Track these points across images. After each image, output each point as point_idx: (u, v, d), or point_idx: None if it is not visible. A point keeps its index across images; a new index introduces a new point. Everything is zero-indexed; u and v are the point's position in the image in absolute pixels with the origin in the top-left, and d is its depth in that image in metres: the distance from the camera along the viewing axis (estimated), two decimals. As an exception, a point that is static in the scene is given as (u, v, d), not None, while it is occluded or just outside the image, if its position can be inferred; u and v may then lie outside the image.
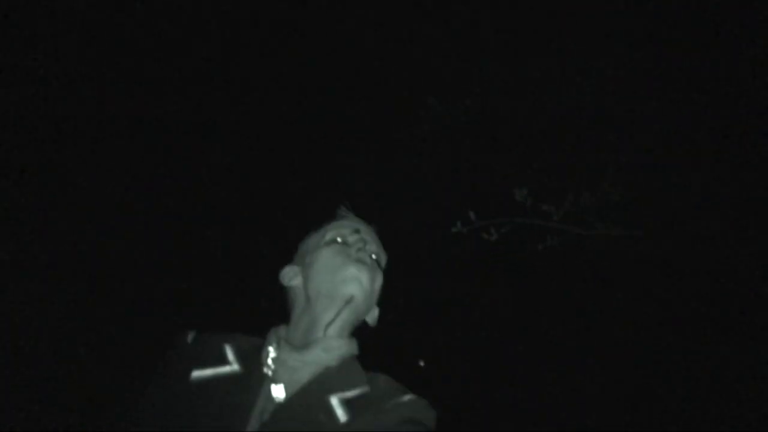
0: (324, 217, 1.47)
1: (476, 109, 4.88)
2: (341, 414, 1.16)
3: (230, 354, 1.26)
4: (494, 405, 5.59)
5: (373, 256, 1.39)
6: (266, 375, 1.21)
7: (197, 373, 1.21)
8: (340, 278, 1.28)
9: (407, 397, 1.21)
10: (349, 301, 1.28)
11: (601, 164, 4.12)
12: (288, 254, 1.46)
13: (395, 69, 5.44)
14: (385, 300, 1.41)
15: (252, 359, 1.25)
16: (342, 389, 1.20)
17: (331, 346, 1.25)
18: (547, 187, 4.22)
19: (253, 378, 1.21)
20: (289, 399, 1.18)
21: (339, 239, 1.37)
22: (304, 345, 1.25)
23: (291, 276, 1.38)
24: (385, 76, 5.45)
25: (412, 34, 5.31)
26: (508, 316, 5.69)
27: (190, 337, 1.30)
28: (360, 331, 1.38)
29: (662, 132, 3.99)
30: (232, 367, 1.23)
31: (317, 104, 5.56)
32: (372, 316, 1.40)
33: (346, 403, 1.18)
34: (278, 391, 1.19)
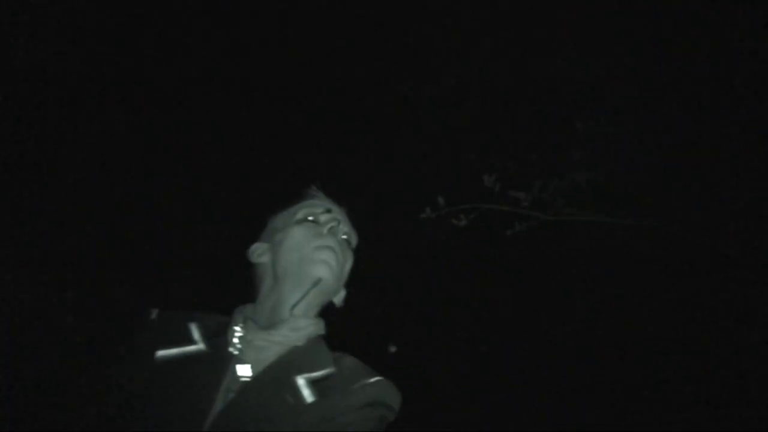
0: (291, 195, 1.45)
1: (445, 95, 4.87)
2: (307, 394, 1.15)
3: (195, 332, 1.24)
4: (466, 392, 5.62)
5: (344, 237, 1.38)
6: (232, 354, 1.20)
7: (163, 352, 1.19)
8: (309, 259, 1.27)
9: (374, 379, 1.20)
10: (316, 283, 1.26)
11: (569, 150, 4.14)
12: (252, 232, 1.44)
13: (364, 55, 5.40)
14: (352, 282, 1.39)
15: (217, 338, 1.24)
16: (308, 369, 1.20)
17: (299, 325, 1.24)
18: (516, 173, 4.24)
19: (219, 357, 1.20)
20: (255, 378, 1.17)
21: (311, 218, 1.35)
22: (270, 324, 1.24)
23: (259, 253, 1.36)
24: (352, 62, 5.41)
25: (381, 22, 5.27)
26: (476, 300, 5.71)
27: (154, 314, 1.28)
28: (327, 312, 1.37)
29: (629, 117, 4.02)
30: (198, 345, 1.22)
31: (281, 87, 5.49)
32: (339, 298, 1.39)
33: (313, 384, 1.17)
34: (244, 370, 1.18)
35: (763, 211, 3.70)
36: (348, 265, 1.36)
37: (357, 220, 1.45)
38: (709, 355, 4.22)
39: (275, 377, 1.18)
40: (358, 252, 1.41)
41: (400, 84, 4.89)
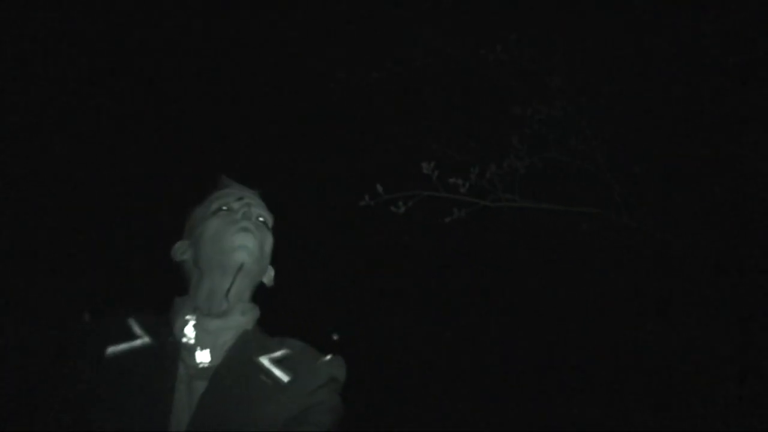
0: (206, 189, 1.48)
1: (383, 82, 4.84)
2: (281, 374, 1.22)
3: (136, 327, 1.26)
4: (408, 380, 5.65)
5: (261, 219, 1.41)
6: (184, 343, 1.23)
7: (112, 349, 1.20)
8: (228, 247, 1.30)
9: (328, 357, 1.30)
10: (240, 268, 1.29)
11: (507, 136, 4.17)
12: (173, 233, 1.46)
13: (300, 41, 5.32)
14: (276, 259, 1.44)
15: (159, 330, 1.26)
16: (267, 351, 1.27)
17: (246, 308, 1.32)
18: (454, 159, 4.25)
19: (169, 346, 1.23)
20: (222, 364, 1.21)
21: (224, 207, 1.38)
22: (210, 312, 1.27)
23: (182, 251, 1.39)
24: (294, 47, 5.32)
25: (316, 7, 5.21)
26: (416, 288, 5.73)
27: (87, 317, 1.30)
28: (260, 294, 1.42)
29: (568, 101, 4.08)
30: (143, 339, 1.24)
31: (211, 75, 5.37)
32: (268, 277, 1.43)
33: (278, 363, 1.24)
34: (203, 356, 1.22)
35: (715, 198, 3.81)
36: (268, 245, 1.39)
37: (270, 201, 1.49)
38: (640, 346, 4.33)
39: (241, 361, 1.23)
40: (276, 232, 1.45)
41: (337, 71, 4.83)
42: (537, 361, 5.20)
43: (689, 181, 3.92)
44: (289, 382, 1.22)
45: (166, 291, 1.37)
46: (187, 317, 1.26)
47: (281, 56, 5.38)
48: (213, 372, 1.20)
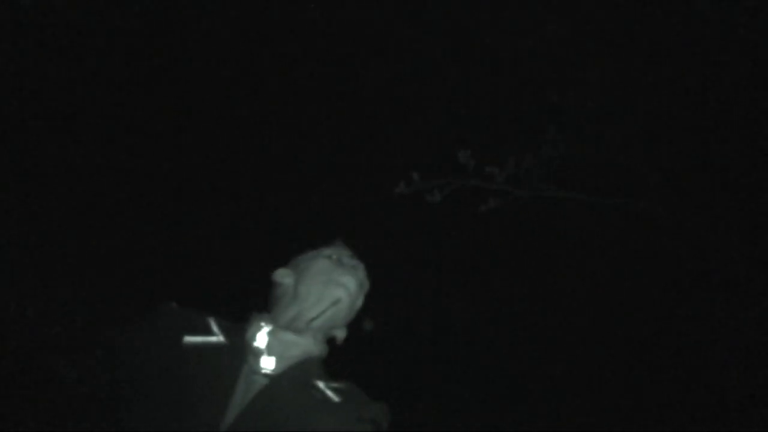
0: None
1: (419, 70, 4.84)
2: (332, 395, 1.30)
3: (215, 326, 1.38)
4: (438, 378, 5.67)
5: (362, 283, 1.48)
6: (254, 346, 1.31)
7: (189, 338, 1.32)
8: (333, 281, 1.38)
9: (376, 403, 1.34)
10: (336, 302, 1.38)
11: (543, 126, 4.14)
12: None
13: (337, 30, 5.33)
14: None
15: (235, 335, 1.36)
16: (325, 378, 1.35)
17: (319, 338, 1.40)
18: (490, 149, 4.23)
19: (239, 349, 1.32)
20: (282, 373, 1.30)
21: (335, 257, 1.47)
22: (294, 329, 1.36)
23: (284, 275, 1.47)
24: (327, 39, 5.34)
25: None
26: (451, 276, 5.74)
27: (174, 305, 1.42)
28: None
29: (604, 92, 4.03)
30: (218, 338, 1.35)
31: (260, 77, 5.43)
32: (341, 333, 1.48)
33: (332, 389, 1.31)
34: (269, 362, 1.30)
35: (748, 192, 3.74)
36: (359, 304, 1.46)
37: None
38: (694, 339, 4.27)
39: (299, 375, 1.31)
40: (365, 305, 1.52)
41: (375, 61, 4.84)
42: (573, 346, 5.18)
43: (726, 174, 3.84)
44: (339, 404, 1.29)
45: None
46: (262, 324, 1.35)
47: (315, 46, 5.40)
48: (272, 377, 1.29)
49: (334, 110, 5.57)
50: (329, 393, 1.31)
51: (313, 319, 1.37)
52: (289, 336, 1.34)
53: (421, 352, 5.69)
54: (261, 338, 1.33)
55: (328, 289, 1.38)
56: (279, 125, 5.57)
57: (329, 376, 1.38)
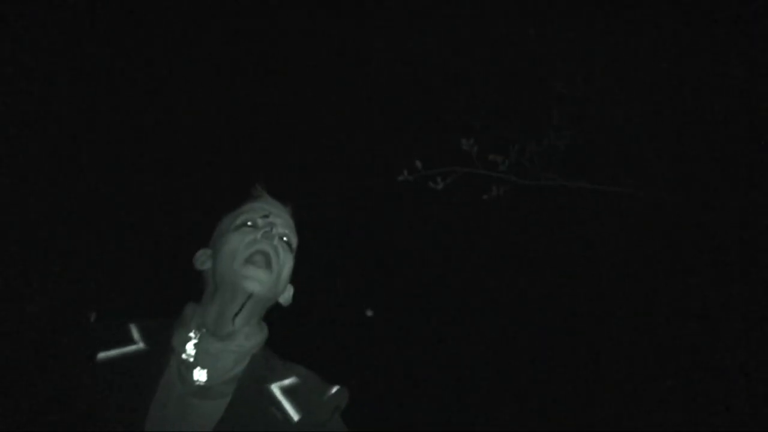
0: (244, 196, 1.47)
1: (423, 58, 4.81)
2: (291, 410, 1.25)
3: (135, 332, 1.30)
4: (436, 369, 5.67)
5: (284, 239, 1.38)
6: (183, 359, 1.25)
7: (103, 354, 1.24)
8: (240, 274, 1.29)
9: (335, 388, 1.32)
10: (249, 297, 1.29)
11: (547, 114, 4.12)
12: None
13: (339, 20, 5.31)
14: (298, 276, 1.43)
15: (158, 337, 1.29)
16: (278, 378, 1.30)
17: (252, 332, 1.31)
18: (494, 136, 4.21)
19: (160, 354, 1.26)
20: (235, 393, 1.24)
21: (249, 223, 1.37)
22: (216, 332, 1.28)
23: (203, 260, 1.39)
24: (332, 26, 5.32)
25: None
26: (453, 265, 5.73)
27: (93, 317, 1.39)
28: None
29: (606, 80, 4.00)
30: (137, 345, 1.27)
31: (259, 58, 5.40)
32: (285, 297, 1.41)
33: (288, 395, 1.27)
34: (201, 375, 1.24)
35: (748, 178, 3.72)
36: (287, 269, 1.37)
37: (299, 218, 1.47)
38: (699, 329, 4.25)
39: (254, 391, 1.26)
40: (299, 251, 1.43)
41: (378, 46, 4.82)
42: (574, 336, 5.18)
43: (733, 162, 3.81)
44: (299, 420, 1.24)
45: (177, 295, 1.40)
46: (190, 335, 1.27)
47: (322, 32, 5.39)
48: (228, 402, 1.23)
49: (338, 99, 5.55)
50: (286, 404, 1.26)
51: (235, 315, 1.28)
52: (216, 345, 1.26)
53: (422, 342, 5.69)
54: (189, 349, 1.26)
55: (238, 281, 1.28)
56: (283, 113, 5.56)
57: (279, 365, 1.33)
